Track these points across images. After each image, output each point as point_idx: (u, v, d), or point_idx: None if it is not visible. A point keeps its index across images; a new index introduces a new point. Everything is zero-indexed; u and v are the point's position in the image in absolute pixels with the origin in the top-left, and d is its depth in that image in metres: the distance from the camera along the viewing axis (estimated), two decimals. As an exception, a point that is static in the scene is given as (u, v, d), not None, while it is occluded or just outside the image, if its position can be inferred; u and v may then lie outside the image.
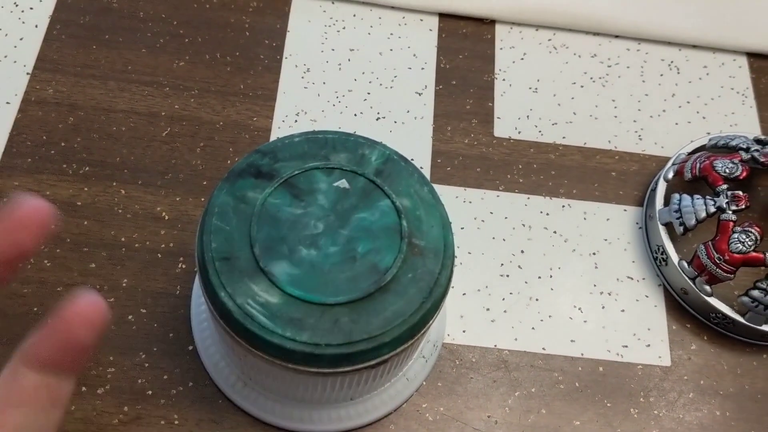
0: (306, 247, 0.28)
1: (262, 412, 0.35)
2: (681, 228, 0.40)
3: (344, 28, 0.47)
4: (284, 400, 0.35)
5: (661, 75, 0.48)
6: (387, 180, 0.30)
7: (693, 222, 0.39)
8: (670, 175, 0.42)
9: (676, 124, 0.46)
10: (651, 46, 0.49)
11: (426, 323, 0.28)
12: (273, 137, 0.43)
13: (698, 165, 0.41)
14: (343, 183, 0.30)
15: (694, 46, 0.49)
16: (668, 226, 0.41)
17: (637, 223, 0.43)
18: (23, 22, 0.45)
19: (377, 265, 0.28)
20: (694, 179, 0.41)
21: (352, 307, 0.27)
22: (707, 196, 0.40)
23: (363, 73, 0.46)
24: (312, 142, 0.31)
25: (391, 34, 0.47)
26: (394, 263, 0.28)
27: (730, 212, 0.39)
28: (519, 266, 0.41)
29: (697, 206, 0.40)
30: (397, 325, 0.27)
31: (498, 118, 0.45)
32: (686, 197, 0.40)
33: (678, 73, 0.48)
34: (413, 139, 0.44)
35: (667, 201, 0.41)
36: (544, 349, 0.39)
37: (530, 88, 0.46)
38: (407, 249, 0.29)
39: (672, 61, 0.49)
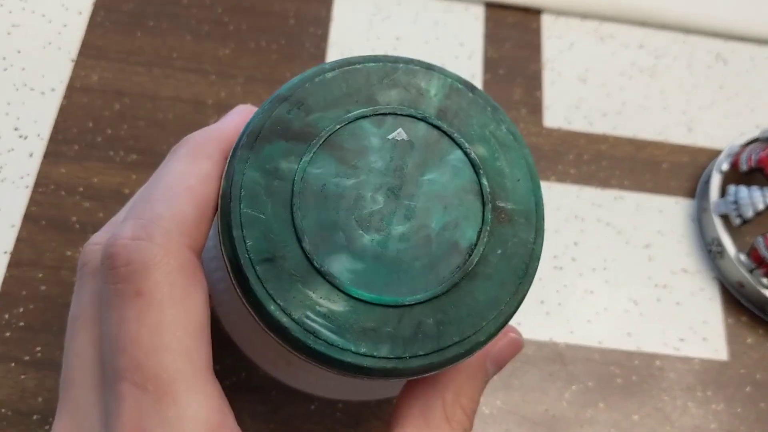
0: (366, 231, 0.22)
1: (319, 390, 0.31)
2: (738, 220, 0.39)
3: (389, 16, 0.46)
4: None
5: (709, 67, 0.47)
6: (454, 121, 0.24)
7: (750, 213, 0.39)
8: (724, 166, 0.41)
9: (725, 116, 0.46)
10: (697, 38, 0.48)
11: (519, 306, 0.23)
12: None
13: (754, 157, 0.40)
14: (400, 134, 0.23)
15: (741, 38, 0.49)
16: (724, 218, 0.40)
17: (690, 215, 0.42)
18: (66, 9, 0.44)
19: (458, 244, 0.22)
20: (750, 171, 0.40)
21: (436, 305, 0.22)
22: (765, 188, 0.39)
23: (409, 62, 0.45)
24: (350, 76, 0.24)
25: (437, 22, 0.46)
26: (479, 238, 0.22)
27: (790, 204, 0.38)
28: (573, 258, 0.40)
29: (754, 198, 0.39)
30: (493, 318, 0.22)
31: (547, 108, 0.44)
32: (742, 189, 0.40)
33: (725, 65, 0.48)
34: (462, 129, 0.43)
35: (721, 193, 0.41)
36: (600, 342, 0.38)
37: (579, 78, 0.46)
38: (492, 216, 0.23)
39: (719, 53, 0.48)
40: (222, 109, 0.42)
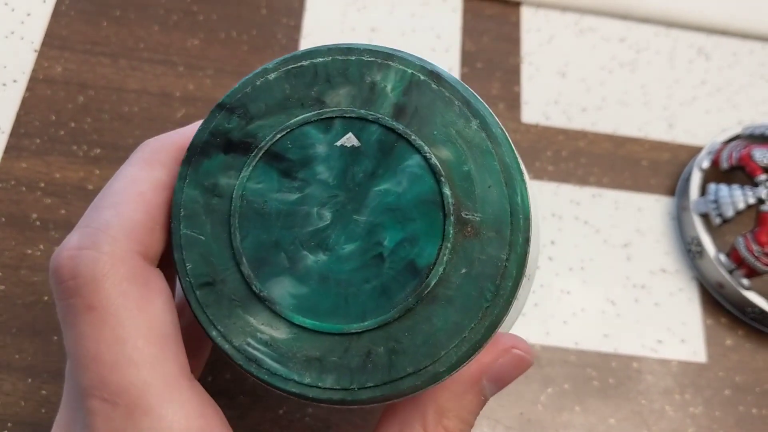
0: (311, 251, 0.20)
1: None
2: (718, 219, 0.38)
3: (365, 6, 0.45)
4: None
5: (690, 62, 0.46)
6: (413, 120, 0.21)
7: (731, 213, 0.38)
8: (705, 164, 0.41)
9: (707, 112, 0.45)
10: (679, 32, 0.47)
11: (495, 329, 0.20)
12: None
13: (735, 155, 0.40)
14: (349, 139, 0.21)
15: (723, 33, 0.48)
16: (704, 217, 0.39)
17: (670, 214, 0.41)
18: (29, -4, 0.43)
19: (414, 264, 0.20)
20: (731, 169, 0.40)
21: (387, 332, 0.20)
22: (746, 187, 0.38)
23: (385, 54, 0.44)
24: (295, 76, 0.21)
25: (413, 14, 0.45)
26: (438, 257, 0.20)
27: (771, 203, 0.38)
28: (549, 257, 0.39)
29: (735, 197, 0.38)
30: (454, 347, 0.20)
31: (525, 103, 0.43)
32: (723, 187, 0.39)
33: (707, 59, 0.47)
34: (438, 124, 0.42)
35: (702, 191, 0.40)
36: (576, 344, 0.37)
37: (558, 73, 0.45)
38: (455, 231, 0.20)
39: (701, 48, 0.47)
40: (190, 102, 0.41)
